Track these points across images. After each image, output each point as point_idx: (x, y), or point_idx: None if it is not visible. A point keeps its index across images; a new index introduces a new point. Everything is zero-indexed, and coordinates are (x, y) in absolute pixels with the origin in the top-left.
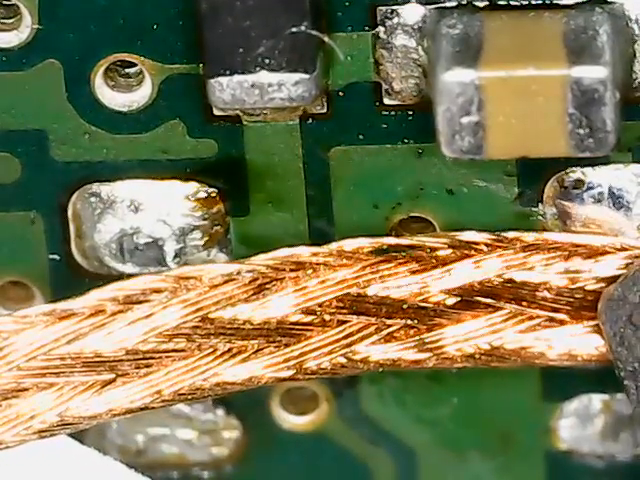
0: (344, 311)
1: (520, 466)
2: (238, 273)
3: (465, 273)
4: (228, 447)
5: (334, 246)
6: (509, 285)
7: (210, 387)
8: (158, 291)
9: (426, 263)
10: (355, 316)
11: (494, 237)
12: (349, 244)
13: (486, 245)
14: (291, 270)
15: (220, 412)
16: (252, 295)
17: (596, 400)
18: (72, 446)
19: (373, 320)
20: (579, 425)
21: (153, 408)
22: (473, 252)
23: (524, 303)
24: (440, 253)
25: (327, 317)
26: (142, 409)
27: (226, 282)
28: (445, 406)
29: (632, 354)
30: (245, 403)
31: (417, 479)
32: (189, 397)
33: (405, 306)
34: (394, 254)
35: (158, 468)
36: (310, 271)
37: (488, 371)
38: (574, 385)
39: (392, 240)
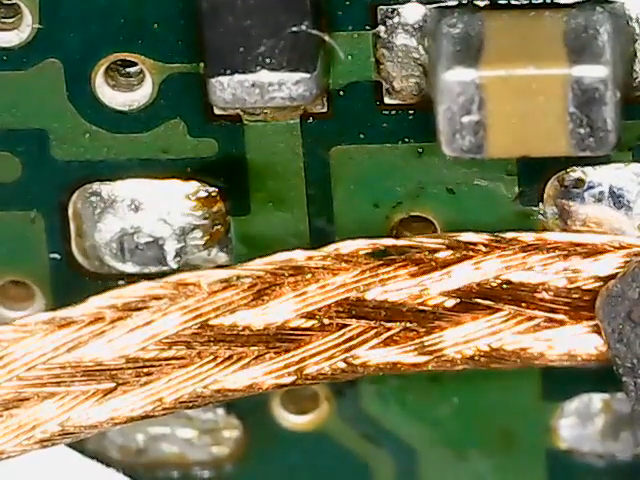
0: (343, 315)
1: (520, 465)
2: (237, 278)
3: (464, 275)
4: (228, 446)
5: (331, 249)
6: (508, 286)
7: (211, 394)
8: (157, 298)
9: (425, 265)
10: (354, 320)
11: (492, 237)
12: (346, 246)
13: (484, 245)
14: (290, 275)
15: (220, 411)
16: (251, 301)
17: (596, 399)
18: (71, 454)
19: (372, 324)
20: (579, 424)
21: (154, 416)
22: (471, 253)
23: (523, 304)
24: (439, 255)
25: (326, 321)
26: (143, 417)
27: (225, 288)
28: (445, 405)
29: (631, 350)
30: (245, 402)
31: (417, 478)
32: (190, 404)
33: (404, 309)
34: (393, 257)
35: (158, 467)
36: (309, 275)
37: (488, 371)
38: (574, 384)
39: (390, 241)
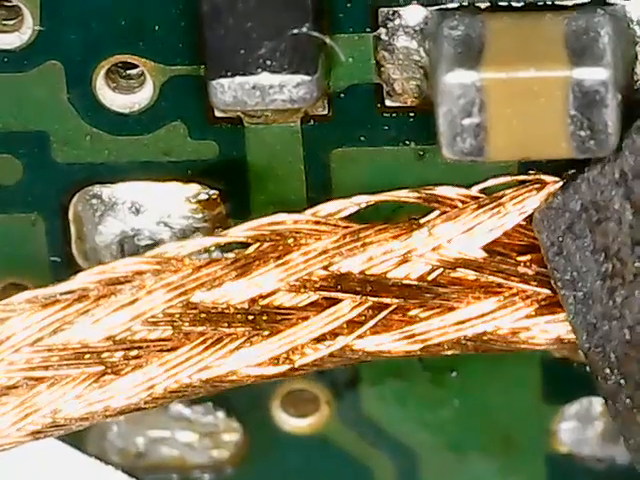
0: (331, 289)
1: (521, 468)
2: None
3: (448, 232)
4: (228, 450)
5: (312, 211)
6: (493, 262)
7: (200, 385)
8: (140, 273)
9: (407, 227)
10: (340, 294)
11: (467, 193)
12: (326, 208)
13: (460, 202)
14: (271, 239)
15: (220, 414)
16: (236, 276)
17: (597, 403)
18: (71, 453)
19: (359, 298)
20: (580, 428)
21: (145, 408)
22: (449, 209)
23: (512, 289)
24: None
25: (313, 297)
26: (137, 409)
27: (209, 263)
28: (446, 408)
29: (571, 263)
30: (246, 405)
31: None
32: (181, 394)
33: (389, 283)
34: (374, 222)
35: (158, 471)
36: (291, 240)
37: (489, 373)
38: (575, 388)
39: (364, 198)
